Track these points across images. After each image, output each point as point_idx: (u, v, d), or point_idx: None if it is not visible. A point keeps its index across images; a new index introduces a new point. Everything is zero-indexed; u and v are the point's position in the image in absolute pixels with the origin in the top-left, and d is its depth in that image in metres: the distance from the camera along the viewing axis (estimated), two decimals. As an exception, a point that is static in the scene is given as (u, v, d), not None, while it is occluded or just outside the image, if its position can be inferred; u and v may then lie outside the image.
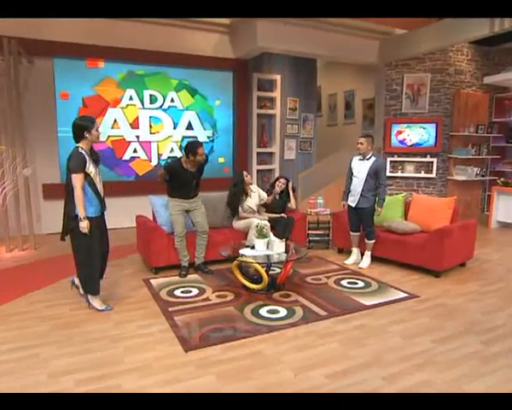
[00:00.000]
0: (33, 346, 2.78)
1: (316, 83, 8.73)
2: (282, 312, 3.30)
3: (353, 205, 4.53)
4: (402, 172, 7.54)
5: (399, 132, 7.46)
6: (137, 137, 6.98)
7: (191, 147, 4.11)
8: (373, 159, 4.41)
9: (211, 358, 2.59)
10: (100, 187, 3.30)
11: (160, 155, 7.21)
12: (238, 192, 4.75)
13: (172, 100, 7.15)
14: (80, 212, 3.08)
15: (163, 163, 7.21)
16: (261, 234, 3.75)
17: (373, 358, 2.62)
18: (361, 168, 4.44)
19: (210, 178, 7.48)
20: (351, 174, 4.58)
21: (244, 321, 3.12)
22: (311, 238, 5.49)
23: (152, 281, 4.11)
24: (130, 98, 6.81)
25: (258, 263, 3.61)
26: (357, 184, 4.45)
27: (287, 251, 3.84)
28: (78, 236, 3.15)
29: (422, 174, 7.39)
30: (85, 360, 2.58)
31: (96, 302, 3.40)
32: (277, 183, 5.15)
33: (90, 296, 3.41)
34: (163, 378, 2.38)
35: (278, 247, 3.78)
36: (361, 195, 4.42)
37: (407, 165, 7.51)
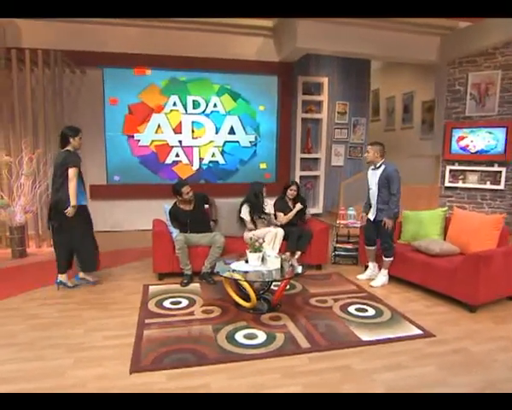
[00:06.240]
0: (-5, 346, 2.77)
1: (369, 85, 8.03)
2: (261, 338, 2.90)
3: (372, 218, 4.11)
4: (463, 182, 6.56)
5: (461, 138, 6.50)
6: (180, 141, 7.01)
7: (176, 188, 4.33)
8: (382, 167, 3.98)
9: (151, 385, 2.32)
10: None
11: (201, 160, 7.17)
12: (258, 204, 4.53)
13: (215, 105, 7.07)
14: (73, 201, 3.63)
15: (205, 167, 7.18)
16: (254, 248, 3.39)
17: (340, 411, 2.12)
18: (373, 179, 4.07)
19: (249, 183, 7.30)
20: (368, 186, 4.18)
21: (212, 345, 2.79)
22: (337, 252, 4.94)
23: (151, 287, 3.98)
24: (174, 104, 6.87)
25: (245, 280, 3.25)
26: (372, 196, 4.08)
27: (283, 267, 3.44)
28: (77, 220, 3.74)
29: (488, 185, 6.33)
30: (31, 369, 2.49)
31: (90, 277, 4.01)
32: (289, 190, 4.71)
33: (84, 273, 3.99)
34: (90, 402, 2.16)
35: (273, 263, 3.38)
36: (377, 207, 4.00)
37: (470, 174, 6.52)
